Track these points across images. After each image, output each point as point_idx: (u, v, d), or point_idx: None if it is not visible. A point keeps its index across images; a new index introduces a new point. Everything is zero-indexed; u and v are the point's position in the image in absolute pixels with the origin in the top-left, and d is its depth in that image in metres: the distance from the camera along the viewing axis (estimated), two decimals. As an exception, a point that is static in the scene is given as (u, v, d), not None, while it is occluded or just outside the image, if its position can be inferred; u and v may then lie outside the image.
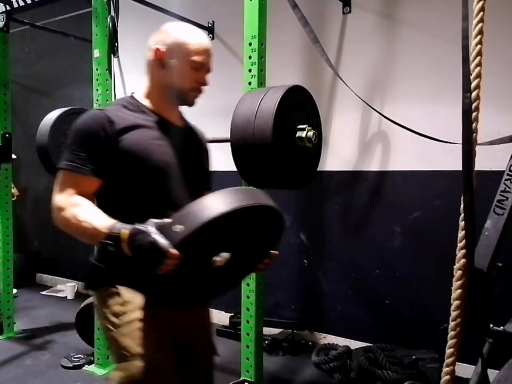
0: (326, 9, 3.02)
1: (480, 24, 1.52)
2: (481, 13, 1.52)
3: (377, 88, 2.88)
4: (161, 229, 1.04)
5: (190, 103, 1.41)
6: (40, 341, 3.20)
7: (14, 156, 3.85)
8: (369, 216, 2.91)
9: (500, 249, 1.59)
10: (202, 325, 1.52)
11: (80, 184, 1.24)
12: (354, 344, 2.86)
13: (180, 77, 1.36)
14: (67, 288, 4.30)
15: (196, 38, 1.38)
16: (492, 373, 1.44)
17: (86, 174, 1.23)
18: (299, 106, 1.93)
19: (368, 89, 2.87)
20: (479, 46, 1.50)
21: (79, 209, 1.20)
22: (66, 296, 4.29)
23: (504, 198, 1.63)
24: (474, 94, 1.50)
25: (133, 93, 1.41)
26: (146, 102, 1.38)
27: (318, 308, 3.16)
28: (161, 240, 1.02)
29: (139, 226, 1.07)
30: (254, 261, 1.30)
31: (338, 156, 3.02)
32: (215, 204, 1.05)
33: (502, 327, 1.52)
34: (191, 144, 1.49)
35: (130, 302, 1.26)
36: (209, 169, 1.73)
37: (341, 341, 2.97)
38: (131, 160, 1.26)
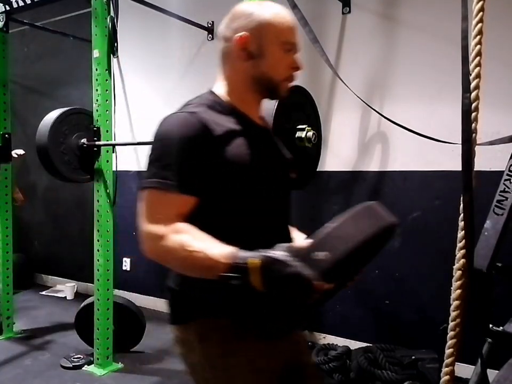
0: (325, 9, 3.02)
1: (480, 25, 1.52)
2: (481, 13, 1.52)
3: (376, 88, 2.88)
4: (298, 255, 0.88)
5: (282, 95, 1.18)
6: (40, 341, 3.20)
7: (22, 152, 3.83)
8: (369, 216, 2.90)
9: (499, 250, 1.59)
10: (304, 348, 1.33)
11: (176, 205, 1.00)
12: (354, 345, 2.86)
13: (272, 65, 1.12)
14: (67, 288, 4.30)
15: (282, 14, 1.15)
16: (492, 373, 1.44)
17: (182, 193, 1.00)
18: (299, 106, 1.93)
19: (367, 89, 2.87)
20: (478, 46, 1.51)
21: (186, 237, 0.96)
22: (65, 296, 4.28)
23: (504, 198, 1.63)
24: (473, 94, 1.50)
25: (211, 89, 1.21)
26: (229, 100, 1.15)
27: (317, 308, 3.16)
28: (306, 271, 0.85)
29: (271, 254, 0.88)
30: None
31: (337, 156, 3.02)
32: (353, 228, 0.94)
33: (501, 327, 1.52)
34: (279, 151, 1.24)
35: (238, 338, 1.05)
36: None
37: (340, 341, 2.97)
38: (230, 174, 1.04)
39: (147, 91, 3.93)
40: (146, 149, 3.67)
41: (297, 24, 1.21)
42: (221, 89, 1.18)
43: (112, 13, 2.64)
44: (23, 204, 4.21)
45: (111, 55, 2.66)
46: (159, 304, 3.94)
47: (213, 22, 3.52)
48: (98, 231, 2.70)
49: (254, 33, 1.10)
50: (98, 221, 2.69)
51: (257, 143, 1.11)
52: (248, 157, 1.07)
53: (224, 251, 0.93)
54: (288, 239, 1.19)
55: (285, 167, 1.22)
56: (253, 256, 0.89)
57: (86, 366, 2.75)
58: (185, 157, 1.01)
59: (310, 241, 0.90)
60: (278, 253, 0.88)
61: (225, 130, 1.06)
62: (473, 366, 1.56)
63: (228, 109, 1.12)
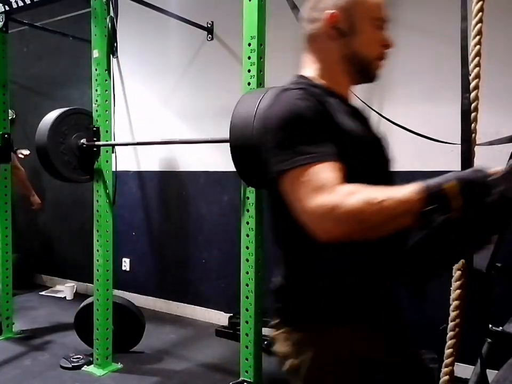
0: (325, 9, 3.02)
1: (479, 25, 1.52)
2: (480, 13, 1.52)
3: (376, 88, 2.88)
4: (491, 176, 0.83)
5: (374, 77, 1.13)
6: (39, 342, 3.19)
7: (27, 152, 3.83)
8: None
9: (499, 250, 1.59)
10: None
11: (333, 172, 0.90)
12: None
13: (364, 42, 1.06)
14: (66, 288, 4.30)
15: None
16: (491, 373, 1.44)
17: (332, 160, 0.91)
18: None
19: (366, 89, 2.84)
20: (478, 47, 1.51)
21: (364, 193, 0.86)
22: (65, 297, 4.28)
23: (503, 199, 1.63)
24: (473, 94, 1.50)
25: (300, 74, 1.13)
26: (324, 83, 1.08)
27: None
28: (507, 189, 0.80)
29: (464, 174, 0.84)
30: None
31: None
32: None
33: (501, 328, 1.52)
34: (375, 132, 1.17)
35: (353, 347, 1.01)
36: None
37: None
38: (349, 147, 0.98)
39: (147, 91, 3.93)
40: (146, 149, 3.65)
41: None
42: (311, 72, 1.10)
43: (111, 13, 2.64)
44: (40, 207, 4.21)
45: (111, 55, 2.66)
46: (159, 304, 3.95)
47: (212, 22, 3.52)
48: (97, 231, 2.70)
49: (344, 10, 1.04)
50: (97, 221, 2.69)
51: (359, 122, 1.07)
52: (360, 131, 1.03)
53: (411, 188, 0.85)
54: None
55: (384, 145, 1.16)
56: (446, 180, 0.83)
57: (85, 366, 2.75)
58: (317, 128, 0.94)
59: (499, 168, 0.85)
60: (471, 172, 0.85)
61: (332, 106, 1.01)
62: (473, 366, 1.56)
63: (325, 90, 1.05)
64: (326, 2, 1.06)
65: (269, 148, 0.97)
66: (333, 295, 1.03)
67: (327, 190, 0.86)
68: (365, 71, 1.11)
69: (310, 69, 1.11)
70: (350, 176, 0.92)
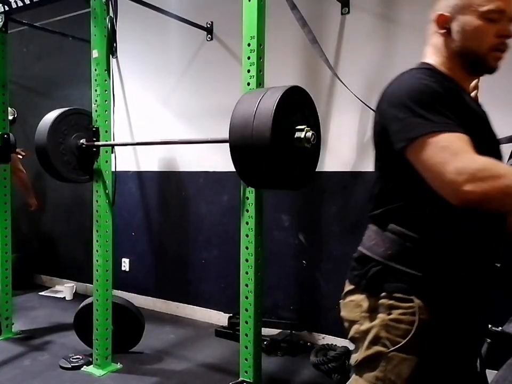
0: (324, 10, 3.03)
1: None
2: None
3: (375, 88, 2.88)
4: None
5: (492, 68, 1.16)
6: (39, 342, 3.19)
7: (23, 153, 3.82)
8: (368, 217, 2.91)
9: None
10: None
11: (467, 143, 0.97)
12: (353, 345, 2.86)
13: (472, 37, 1.12)
14: (65, 288, 4.29)
15: None
16: (491, 374, 1.44)
17: (463, 133, 0.99)
18: (298, 107, 1.93)
19: (366, 89, 2.87)
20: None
21: (504, 166, 0.98)
22: (64, 297, 4.28)
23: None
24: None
25: (423, 61, 1.21)
26: (445, 71, 1.16)
27: (316, 308, 3.16)
28: None
29: None
30: None
31: (336, 157, 3.02)
32: None
33: (500, 328, 1.52)
34: (491, 127, 1.21)
35: (431, 321, 1.08)
36: None
37: (339, 342, 2.97)
38: (474, 130, 1.03)
39: (146, 91, 3.93)
40: (146, 149, 3.66)
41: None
42: (432, 61, 1.19)
43: (111, 13, 2.64)
44: (37, 209, 4.21)
45: (110, 56, 2.66)
46: (158, 305, 3.94)
47: (212, 22, 3.52)
48: (97, 231, 2.70)
49: (453, 10, 1.13)
50: (97, 221, 2.69)
51: (478, 111, 1.14)
52: (479, 111, 1.12)
53: None
54: None
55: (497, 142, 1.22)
56: None
57: (85, 366, 2.75)
58: (445, 102, 1.02)
59: None
60: None
61: (453, 88, 1.10)
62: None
63: (445, 76, 1.14)
64: (439, 4, 1.17)
65: (399, 117, 1.03)
66: (440, 263, 1.08)
67: (467, 156, 0.94)
68: (478, 64, 1.15)
69: (430, 59, 1.20)
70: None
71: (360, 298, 1.18)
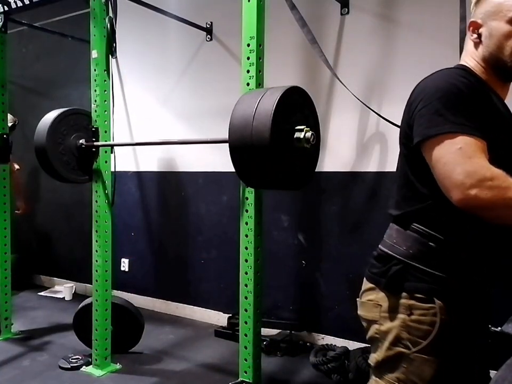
0: (324, 10, 3.03)
1: (478, 26, 1.51)
2: (479, 14, 1.51)
3: (375, 89, 2.88)
4: None
5: None
6: (38, 342, 3.19)
7: (16, 166, 3.82)
8: (367, 217, 2.91)
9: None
10: None
11: (482, 148, 1.01)
12: (352, 345, 2.86)
13: (498, 44, 1.14)
14: (65, 289, 4.29)
15: None
16: (490, 374, 1.44)
17: (481, 138, 1.01)
18: (297, 107, 1.93)
19: (366, 90, 2.87)
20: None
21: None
22: (64, 297, 4.28)
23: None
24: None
25: (459, 63, 1.24)
26: (478, 74, 1.19)
27: (316, 308, 3.16)
28: None
29: None
30: None
31: (336, 157, 3.03)
32: None
33: (499, 328, 1.52)
34: None
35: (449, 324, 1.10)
36: None
37: (339, 342, 2.97)
38: (494, 131, 1.07)
39: (145, 92, 3.92)
40: (145, 150, 3.66)
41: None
42: (467, 64, 1.21)
43: (110, 14, 2.64)
44: (24, 213, 4.19)
45: (110, 56, 2.65)
46: (158, 305, 3.94)
47: (211, 22, 3.52)
48: (96, 231, 2.70)
49: (484, 18, 1.16)
50: (96, 221, 2.69)
51: (506, 115, 1.15)
52: (508, 116, 1.14)
53: None
54: None
55: None
56: None
57: (84, 367, 2.75)
58: (471, 104, 1.04)
59: None
60: None
61: (482, 90, 1.12)
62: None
63: (479, 79, 1.16)
64: (475, 12, 1.20)
65: (422, 113, 1.07)
66: (463, 265, 1.10)
67: (479, 162, 0.96)
68: (504, 70, 1.16)
69: (464, 62, 1.22)
70: (492, 153, 1.01)
71: (379, 297, 1.18)
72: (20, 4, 2.92)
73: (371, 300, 1.20)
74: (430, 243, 1.10)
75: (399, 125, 1.27)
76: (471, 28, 1.20)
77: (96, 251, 2.70)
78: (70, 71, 4.35)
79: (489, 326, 1.40)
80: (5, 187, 3.21)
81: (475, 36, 1.19)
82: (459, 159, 0.98)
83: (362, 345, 2.81)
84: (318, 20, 3.01)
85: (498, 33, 1.14)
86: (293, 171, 1.95)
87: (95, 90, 2.64)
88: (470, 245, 1.10)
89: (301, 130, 1.85)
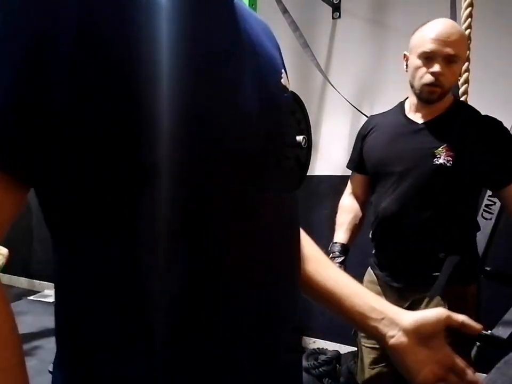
0: (315, 14, 3.04)
1: (468, 30, 1.53)
2: (469, 19, 1.54)
3: (366, 93, 2.90)
4: None
5: (426, 99, 1.39)
6: (27, 347, 3.15)
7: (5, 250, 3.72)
8: (359, 221, 2.91)
9: (487, 254, 1.60)
10: None
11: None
12: (344, 349, 2.86)
13: (411, 73, 1.41)
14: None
15: (432, 27, 1.39)
16: (480, 377, 1.44)
17: None
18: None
19: (357, 94, 2.88)
20: (467, 52, 1.52)
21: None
22: (53, 302, 4.23)
23: (492, 203, 1.65)
24: (462, 99, 1.51)
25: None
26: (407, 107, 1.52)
27: (307, 312, 3.16)
28: None
29: None
30: None
31: (327, 161, 3.03)
32: None
33: (490, 331, 1.52)
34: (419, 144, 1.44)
35: None
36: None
37: (330, 346, 2.97)
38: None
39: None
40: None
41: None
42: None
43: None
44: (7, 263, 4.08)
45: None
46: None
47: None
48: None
49: (409, 50, 1.46)
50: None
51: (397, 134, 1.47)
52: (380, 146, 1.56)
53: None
54: None
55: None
56: None
57: (74, 371, 2.72)
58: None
59: None
60: None
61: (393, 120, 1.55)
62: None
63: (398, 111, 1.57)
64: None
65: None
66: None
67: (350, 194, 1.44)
68: (418, 96, 1.41)
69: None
70: None
71: None
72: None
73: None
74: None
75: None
76: (404, 59, 1.47)
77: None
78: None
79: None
80: None
81: (405, 65, 1.46)
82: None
83: (354, 349, 2.81)
84: (310, 24, 3.02)
85: (412, 65, 1.39)
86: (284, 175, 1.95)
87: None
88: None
89: (293, 134, 1.86)
